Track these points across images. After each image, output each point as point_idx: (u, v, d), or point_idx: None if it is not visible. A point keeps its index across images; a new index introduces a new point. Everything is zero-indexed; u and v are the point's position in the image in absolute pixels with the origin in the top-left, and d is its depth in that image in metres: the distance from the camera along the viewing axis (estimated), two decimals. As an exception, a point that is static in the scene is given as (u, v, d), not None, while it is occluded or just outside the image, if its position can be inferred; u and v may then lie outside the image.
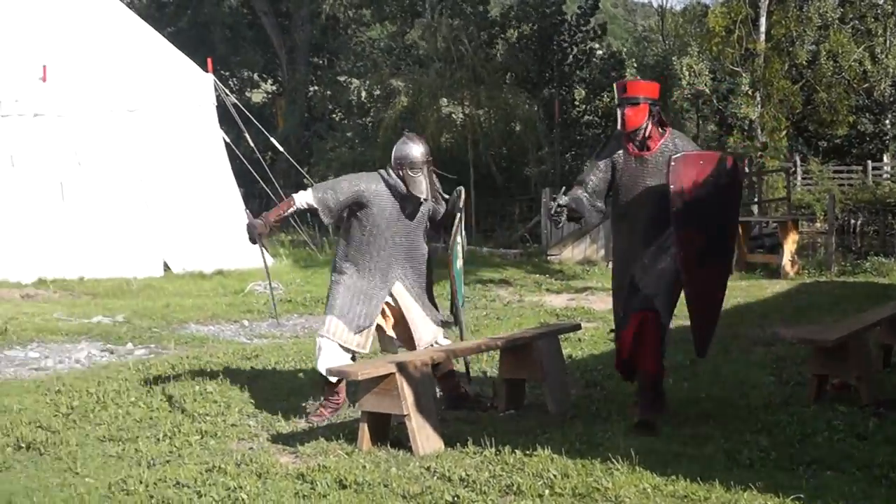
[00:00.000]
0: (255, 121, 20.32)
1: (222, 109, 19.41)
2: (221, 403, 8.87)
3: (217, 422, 8.28)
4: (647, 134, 8.09)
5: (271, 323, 13.50)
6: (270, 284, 10.87)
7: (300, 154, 21.77)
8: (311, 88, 33.24)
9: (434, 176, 8.70)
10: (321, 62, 34.44)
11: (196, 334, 12.68)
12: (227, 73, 29.61)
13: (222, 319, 13.76)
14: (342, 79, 33.45)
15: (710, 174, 7.88)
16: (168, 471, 7.02)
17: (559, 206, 8.08)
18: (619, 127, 8.18)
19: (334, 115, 33.76)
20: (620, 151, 8.25)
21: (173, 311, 14.15)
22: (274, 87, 35.87)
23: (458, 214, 8.67)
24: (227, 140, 19.30)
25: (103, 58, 18.17)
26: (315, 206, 8.47)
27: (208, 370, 10.13)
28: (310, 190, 8.64)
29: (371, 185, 8.50)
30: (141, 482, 6.76)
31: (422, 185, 8.47)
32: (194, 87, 18.92)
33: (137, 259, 17.15)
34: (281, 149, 20.70)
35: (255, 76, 35.79)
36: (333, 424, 8.19)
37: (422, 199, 8.50)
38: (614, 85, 8.75)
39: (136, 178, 17.58)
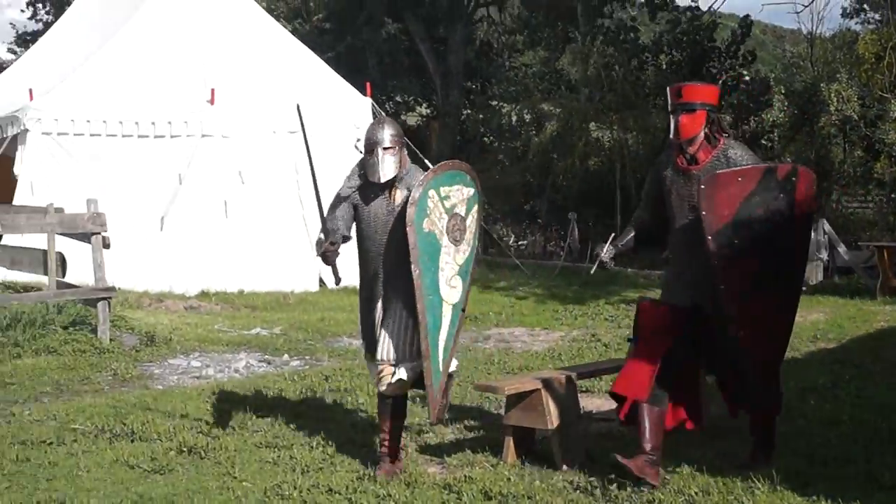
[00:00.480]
0: (409, 142, 20.41)
1: (379, 131, 19.50)
2: (372, 414, 8.95)
3: (367, 432, 8.37)
4: (699, 145, 6.98)
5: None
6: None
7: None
8: (464, 112, 33.36)
9: (413, 168, 7.53)
10: (474, 87, 34.53)
11: (349, 347, 12.82)
12: (384, 97, 29.85)
13: (371, 333, 13.82)
14: (494, 103, 33.49)
15: (755, 192, 6.76)
16: (321, 477, 7.18)
17: (601, 262, 7.52)
18: (671, 136, 7.16)
19: (486, 138, 33.83)
20: (670, 167, 7.19)
21: (327, 325, 14.33)
22: (428, 111, 36.05)
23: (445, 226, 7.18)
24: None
25: (267, 82, 18.56)
26: (331, 226, 7.83)
27: (360, 382, 10.24)
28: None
29: (354, 180, 7.69)
30: (295, 487, 6.93)
31: (378, 168, 7.27)
32: (353, 110, 19.13)
33: (294, 274, 17.40)
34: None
35: (411, 100, 36.02)
36: (479, 437, 8.23)
37: (378, 181, 7.28)
38: (668, 89, 7.41)
39: (295, 197, 17.78)
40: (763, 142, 28.34)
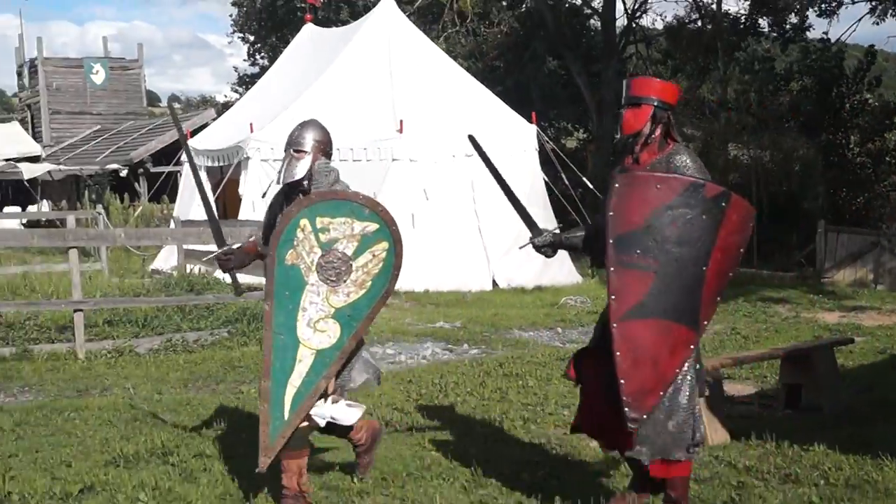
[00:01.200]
0: (569, 163, 20.45)
1: (543, 154, 19.57)
2: (540, 395, 8.96)
3: (537, 411, 8.36)
4: (645, 143, 5.57)
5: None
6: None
7: (605, 191, 21.81)
8: (617, 136, 33.17)
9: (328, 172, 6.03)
10: (625, 114, 34.29)
11: (519, 338, 12.79)
12: (546, 124, 29.79)
13: (540, 326, 13.83)
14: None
15: (672, 204, 5.17)
16: (497, 449, 7.14)
17: (533, 244, 6.12)
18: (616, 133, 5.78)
19: (635, 158, 33.59)
20: (618, 168, 5.77)
21: (500, 319, 14.32)
22: (585, 135, 35.92)
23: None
24: (546, 179, 19.47)
25: (447, 113, 18.69)
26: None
27: (529, 368, 10.22)
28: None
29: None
30: (475, 457, 6.88)
31: (282, 170, 5.99)
32: (520, 136, 19.17)
33: (471, 275, 17.53)
34: (591, 185, 20.81)
35: (570, 126, 35.96)
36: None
37: (281, 182, 6.00)
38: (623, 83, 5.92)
39: (471, 211, 17.99)
40: (888, 159, 27.51)
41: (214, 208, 6.86)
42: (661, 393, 5.18)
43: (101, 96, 45.49)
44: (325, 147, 6.06)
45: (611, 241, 5.22)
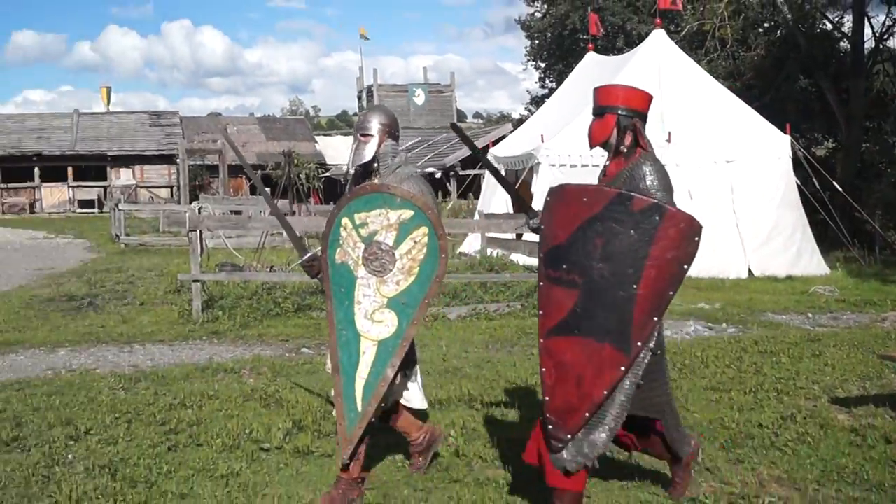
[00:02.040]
0: (819, 168, 19.55)
1: (795, 161, 18.77)
2: (792, 371, 8.59)
3: (789, 384, 8.02)
4: (616, 152, 4.80)
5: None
6: None
7: (852, 194, 20.60)
8: (864, 145, 31.22)
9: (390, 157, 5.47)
10: (872, 125, 32.26)
11: (772, 321, 12.24)
12: (798, 135, 28.36)
13: (792, 311, 13.17)
14: (886, 137, 31.27)
15: (598, 217, 4.33)
16: (752, 415, 6.91)
17: (533, 229, 5.09)
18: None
19: (881, 165, 31.52)
20: (599, 178, 5.05)
21: (755, 303, 13.78)
22: (834, 144, 34.08)
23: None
24: (798, 183, 18.65)
25: (709, 124, 18.28)
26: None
27: (782, 346, 9.81)
28: None
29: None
30: (733, 421, 6.71)
31: (361, 152, 5.46)
32: (775, 145, 18.45)
33: (729, 264, 17.02)
34: (839, 189, 19.81)
35: (820, 136, 34.28)
36: (881, 394, 7.60)
37: (350, 167, 5.57)
38: None
39: (730, 209, 17.51)
40: None
41: (287, 220, 6.30)
42: (587, 413, 4.32)
43: (421, 114, 47.33)
44: (391, 130, 5.50)
45: (541, 255, 4.54)
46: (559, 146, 18.02)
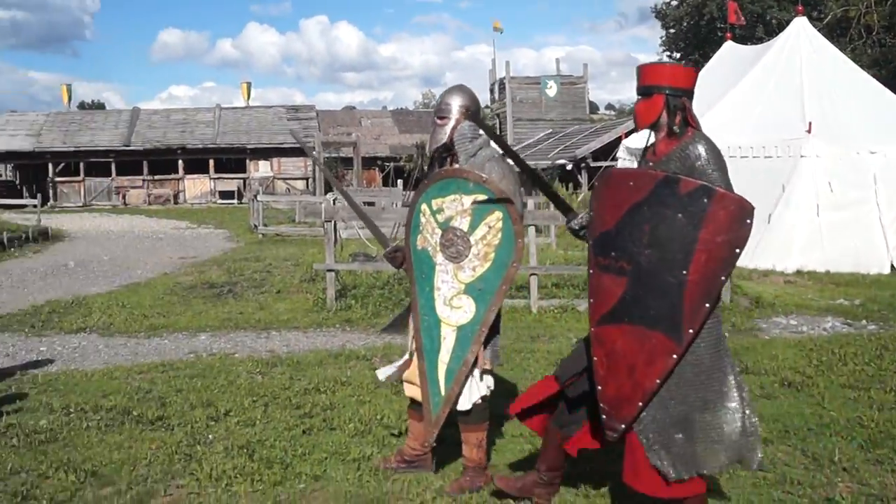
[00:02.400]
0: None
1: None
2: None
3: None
4: (669, 132, 4.45)
5: None
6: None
7: None
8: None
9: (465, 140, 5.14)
10: None
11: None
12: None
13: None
14: None
15: (644, 202, 4.16)
16: (893, 415, 6.68)
17: (574, 231, 4.72)
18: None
19: None
20: (643, 159, 4.66)
21: (899, 300, 13.19)
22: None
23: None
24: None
25: (852, 114, 17.63)
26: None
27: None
28: None
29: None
30: (872, 420, 6.53)
31: (436, 136, 5.22)
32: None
33: (870, 259, 16.27)
34: None
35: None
36: None
37: (427, 151, 5.34)
38: None
39: (872, 201, 16.73)
40: None
41: (366, 214, 6.18)
42: (640, 404, 4.17)
43: (553, 106, 47.06)
44: (469, 111, 5.20)
45: (590, 242, 4.41)
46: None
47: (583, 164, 36.91)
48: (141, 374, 8.30)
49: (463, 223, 4.93)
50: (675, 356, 4.10)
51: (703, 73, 22.67)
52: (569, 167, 36.65)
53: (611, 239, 4.27)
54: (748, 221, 4.03)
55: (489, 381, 5.21)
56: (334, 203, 19.49)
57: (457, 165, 5.17)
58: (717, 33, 32.95)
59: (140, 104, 59.34)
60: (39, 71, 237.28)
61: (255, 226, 27.57)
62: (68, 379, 8.15)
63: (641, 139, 20.84)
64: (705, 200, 4.04)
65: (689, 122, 4.46)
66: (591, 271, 4.42)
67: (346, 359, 8.90)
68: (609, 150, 29.67)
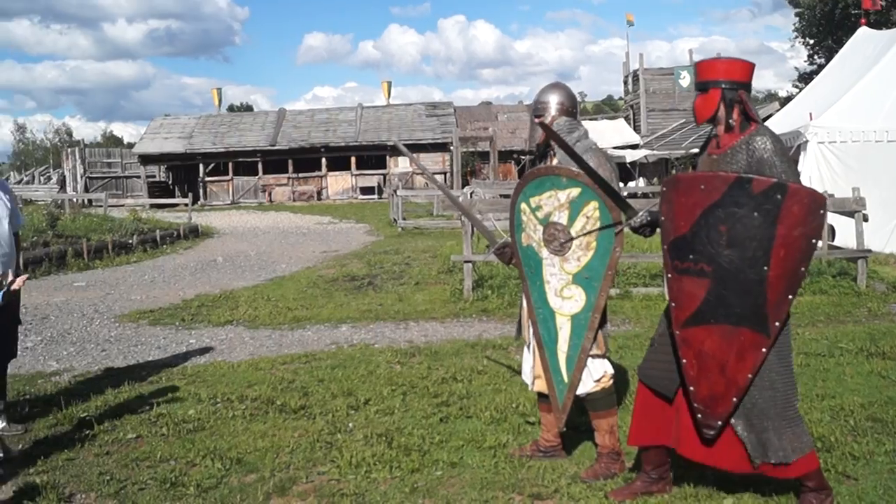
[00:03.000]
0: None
1: None
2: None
3: None
4: (727, 126, 4.45)
5: None
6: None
7: None
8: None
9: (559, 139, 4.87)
10: None
11: None
12: None
13: None
14: None
15: (718, 204, 4.13)
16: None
17: (633, 229, 4.81)
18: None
19: None
20: (704, 152, 4.70)
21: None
22: None
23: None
24: None
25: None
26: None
27: None
28: None
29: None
30: None
31: (535, 133, 5.34)
32: None
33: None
34: None
35: None
36: None
37: (527, 147, 5.31)
38: None
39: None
40: None
41: (472, 212, 6.13)
42: (734, 399, 4.23)
43: (687, 96, 46.05)
44: (565, 107, 5.31)
45: (665, 247, 4.40)
46: (829, 123, 17.03)
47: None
48: (284, 365, 8.46)
49: (562, 217, 4.96)
50: (764, 349, 4.18)
51: (837, 60, 21.95)
52: (702, 155, 35.88)
53: (687, 243, 4.30)
54: (821, 212, 4.08)
55: (607, 366, 5.19)
56: (471, 196, 19.51)
57: (556, 160, 5.22)
58: (852, 18, 31.55)
59: (286, 105, 60.90)
60: (192, 76, 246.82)
61: (395, 220, 27.91)
62: (215, 370, 8.39)
63: (776, 126, 20.19)
64: (779, 197, 4.05)
65: (750, 116, 4.45)
66: (668, 275, 4.42)
67: (483, 348, 8.89)
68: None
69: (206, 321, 11.37)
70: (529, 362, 5.48)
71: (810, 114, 17.69)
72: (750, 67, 4.54)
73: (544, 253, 5.06)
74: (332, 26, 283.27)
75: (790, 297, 4.16)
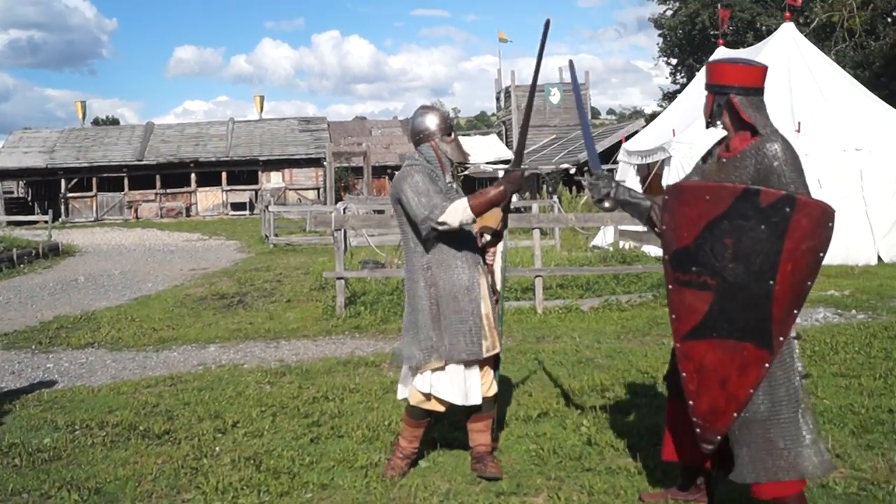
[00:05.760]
0: None
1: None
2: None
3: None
4: (731, 131, 4.35)
5: None
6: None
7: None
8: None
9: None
10: None
11: (904, 306, 11.62)
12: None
13: (925, 297, 12.44)
14: None
15: (725, 216, 4.01)
16: (882, 401, 6.60)
17: (597, 201, 4.63)
18: None
19: None
20: (711, 155, 4.59)
21: (885, 289, 13.06)
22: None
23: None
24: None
25: (838, 114, 17.66)
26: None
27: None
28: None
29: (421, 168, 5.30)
30: (863, 406, 6.44)
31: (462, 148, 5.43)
32: (898, 130, 17.71)
33: (858, 251, 16.39)
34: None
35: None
36: None
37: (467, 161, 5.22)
38: None
39: (859, 196, 16.86)
40: None
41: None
42: (735, 414, 4.10)
43: (556, 113, 46.97)
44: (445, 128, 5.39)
45: (666, 257, 4.23)
46: (690, 139, 17.61)
47: (586, 168, 36.82)
48: (148, 388, 8.14)
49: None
50: (767, 365, 4.04)
51: (698, 79, 22.74)
52: (572, 171, 36.66)
53: (690, 254, 4.15)
54: (830, 225, 3.96)
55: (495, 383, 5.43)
56: (344, 212, 19.39)
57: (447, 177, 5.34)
58: (711, 39, 33.03)
59: (154, 119, 59.38)
60: (56, 89, 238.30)
61: (266, 236, 27.51)
62: (74, 395, 7.98)
63: (641, 142, 20.75)
64: (787, 210, 3.92)
65: (745, 121, 4.28)
66: (669, 287, 4.25)
67: (355, 366, 8.77)
68: (611, 153, 29.93)
69: (65, 344, 10.87)
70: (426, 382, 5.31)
71: (673, 130, 18.29)
72: (745, 71, 4.36)
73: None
74: (203, 39, 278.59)
75: (795, 311, 4.04)
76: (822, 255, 3.97)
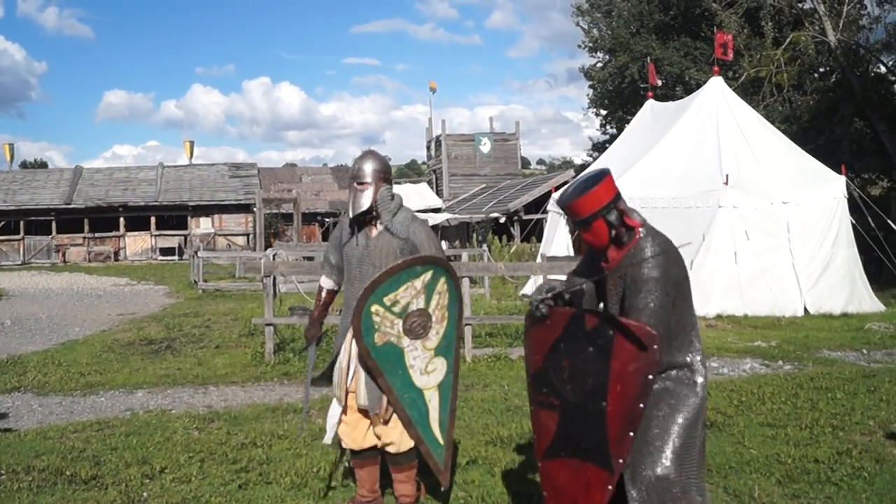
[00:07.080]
0: (874, 207, 19.19)
1: (850, 200, 18.41)
2: (847, 406, 8.34)
3: (844, 420, 7.79)
4: (618, 243, 4.21)
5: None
6: (308, 388, 6.17)
7: (907, 232, 20.26)
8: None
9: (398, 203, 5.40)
10: (926, 166, 31.60)
11: (827, 357, 11.94)
12: (853, 175, 27.78)
13: (847, 348, 12.83)
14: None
15: (561, 339, 4.16)
16: (808, 451, 6.73)
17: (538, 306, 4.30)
18: None
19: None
20: None
21: (811, 340, 13.44)
22: (888, 184, 33.32)
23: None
24: (853, 222, 18.30)
25: (765, 167, 18.12)
26: (328, 277, 5.66)
27: (837, 382, 9.56)
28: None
29: (343, 220, 5.61)
30: (789, 456, 6.56)
31: (359, 201, 5.29)
32: (829, 186, 18.23)
33: (785, 303, 16.72)
34: (894, 227, 19.39)
35: (875, 176, 33.49)
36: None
37: (351, 214, 5.31)
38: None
39: (786, 248, 17.22)
40: None
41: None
42: None
43: (487, 162, 47.56)
44: (385, 175, 5.37)
45: (529, 380, 4.35)
46: (621, 189, 17.84)
47: (515, 217, 37.21)
48: (75, 433, 8.01)
49: (420, 302, 5.10)
50: (609, 487, 3.95)
51: (628, 130, 23.30)
52: (502, 220, 36.94)
53: (541, 376, 4.26)
54: (655, 347, 3.88)
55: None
56: (274, 258, 19.35)
57: (379, 227, 5.36)
58: (640, 92, 33.71)
59: (83, 163, 58.48)
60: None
61: (195, 281, 27.22)
62: (0, 440, 7.84)
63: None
64: (610, 332, 3.95)
65: (629, 225, 4.20)
66: (531, 408, 4.35)
67: (284, 412, 8.76)
68: (540, 203, 30.22)
69: (-11, 388, 10.66)
70: (334, 423, 5.45)
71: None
72: (608, 182, 4.28)
73: (405, 342, 5.10)
74: (133, 84, 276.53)
75: (630, 433, 3.91)
76: (651, 377, 3.91)
